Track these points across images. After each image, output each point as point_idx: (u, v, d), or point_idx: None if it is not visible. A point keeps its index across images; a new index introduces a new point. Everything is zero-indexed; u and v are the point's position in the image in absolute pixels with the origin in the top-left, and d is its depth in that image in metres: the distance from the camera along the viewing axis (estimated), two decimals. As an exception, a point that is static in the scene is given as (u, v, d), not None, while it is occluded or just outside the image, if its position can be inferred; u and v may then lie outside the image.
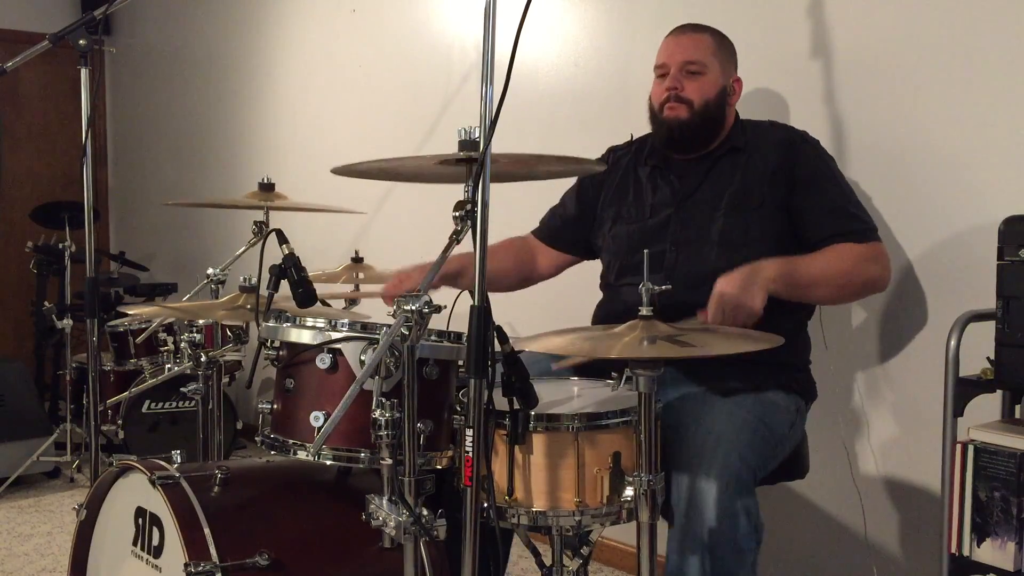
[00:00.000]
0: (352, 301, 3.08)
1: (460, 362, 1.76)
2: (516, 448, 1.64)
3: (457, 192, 1.63)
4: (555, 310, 2.68)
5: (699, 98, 2.11)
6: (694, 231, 2.09)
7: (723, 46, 2.17)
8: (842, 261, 2.00)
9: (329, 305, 2.30)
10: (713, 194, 2.10)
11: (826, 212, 2.04)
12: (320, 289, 2.00)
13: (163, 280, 4.91)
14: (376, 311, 2.32)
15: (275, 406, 1.75)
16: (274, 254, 1.92)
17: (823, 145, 2.18)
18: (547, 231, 2.44)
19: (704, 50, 2.13)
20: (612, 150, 2.35)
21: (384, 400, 1.52)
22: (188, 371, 2.37)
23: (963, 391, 1.83)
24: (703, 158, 2.15)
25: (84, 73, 2.50)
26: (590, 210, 2.32)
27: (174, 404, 3.74)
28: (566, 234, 2.40)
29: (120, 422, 3.72)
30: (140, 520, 1.88)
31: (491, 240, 2.24)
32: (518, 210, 2.43)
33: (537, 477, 1.64)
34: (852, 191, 2.11)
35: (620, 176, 2.27)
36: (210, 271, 2.35)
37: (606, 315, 2.23)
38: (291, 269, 1.84)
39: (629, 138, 2.32)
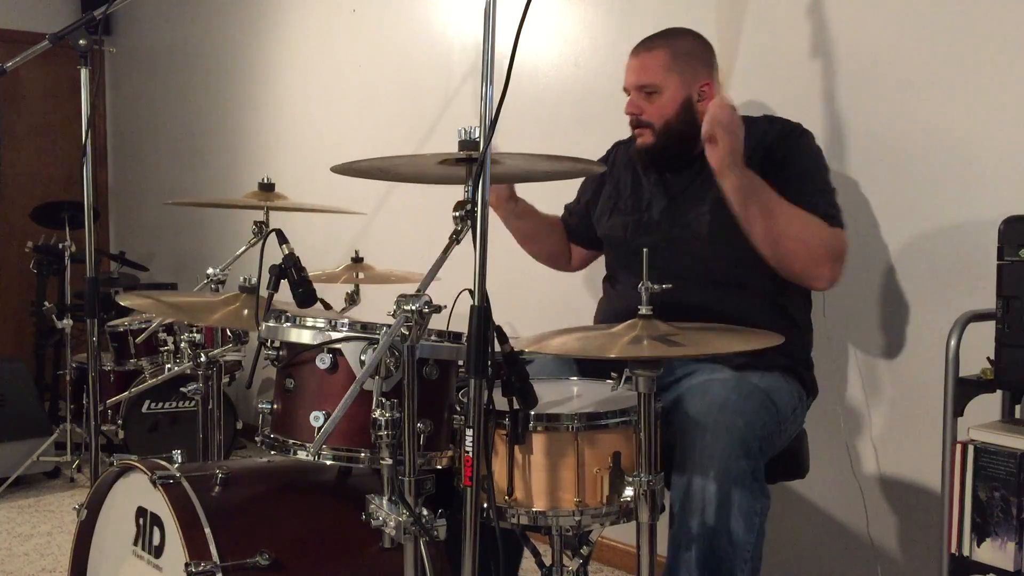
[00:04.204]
0: (352, 300, 3.08)
1: (460, 362, 1.76)
2: (516, 448, 1.65)
3: (457, 192, 1.63)
4: (555, 310, 2.69)
5: (659, 120, 2.11)
6: (685, 227, 2.10)
7: (681, 55, 2.11)
8: (811, 225, 1.96)
9: (330, 306, 2.30)
10: (703, 189, 2.10)
11: (799, 194, 1.99)
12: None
13: (163, 280, 4.91)
14: (376, 311, 2.32)
15: (275, 406, 1.75)
16: (274, 254, 1.93)
17: (824, 144, 2.17)
18: (564, 227, 2.48)
19: (656, 69, 2.10)
20: (617, 145, 2.37)
21: (384, 400, 1.52)
22: (188, 371, 2.37)
23: (963, 391, 1.83)
24: (697, 157, 2.14)
25: (84, 73, 2.50)
26: (593, 203, 2.34)
27: (174, 404, 3.74)
28: (576, 228, 2.44)
29: (120, 422, 3.72)
30: (141, 520, 1.88)
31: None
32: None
33: (537, 477, 1.64)
34: (829, 185, 2.07)
35: (621, 169, 2.29)
36: (210, 271, 2.35)
37: (605, 312, 2.24)
38: (291, 269, 1.84)
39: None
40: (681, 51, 2.12)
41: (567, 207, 2.48)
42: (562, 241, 2.48)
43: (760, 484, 1.80)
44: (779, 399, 1.97)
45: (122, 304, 2.29)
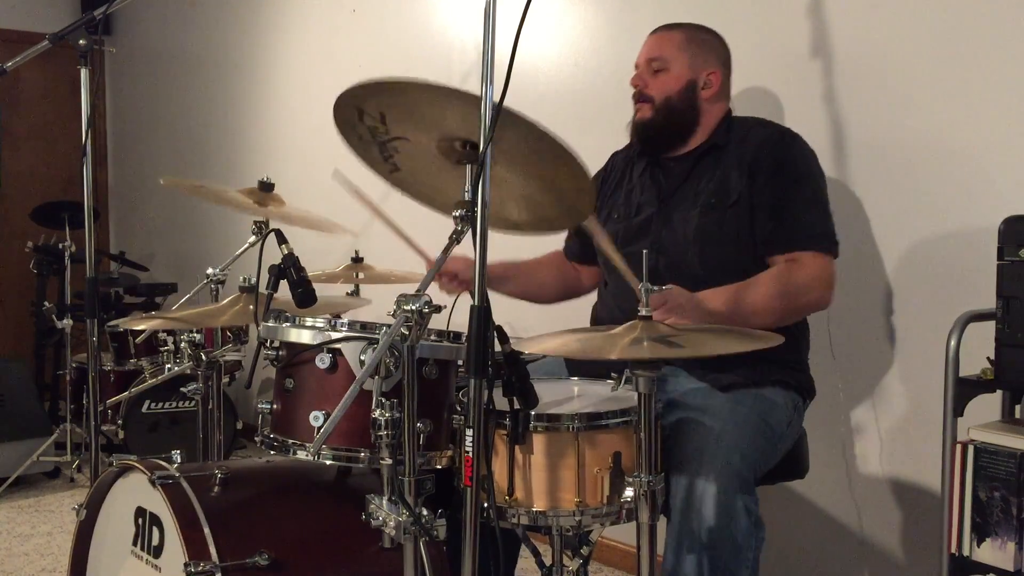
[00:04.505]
0: (354, 292, 3.09)
1: (460, 362, 1.76)
2: (516, 448, 1.64)
3: (457, 192, 1.63)
4: (555, 310, 2.68)
5: (660, 94, 2.11)
6: (673, 230, 2.08)
7: (696, 40, 2.14)
8: (784, 287, 1.95)
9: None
10: (693, 192, 2.09)
11: (773, 211, 2.00)
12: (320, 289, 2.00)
13: (163, 280, 4.91)
14: (376, 311, 2.32)
15: (275, 406, 1.75)
16: (274, 254, 1.92)
17: (824, 145, 2.17)
18: (568, 246, 2.46)
19: (669, 46, 2.12)
20: (614, 155, 2.36)
21: (384, 400, 1.52)
22: (188, 371, 2.37)
23: (963, 391, 1.83)
24: (687, 156, 2.14)
25: (84, 73, 2.50)
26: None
27: (174, 404, 3.74)
28: (579, 246, 2.41)
29: (120, 422, 3.72)
30: (140, 520, 1.88)
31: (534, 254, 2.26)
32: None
33: (537, 477, 1.64)
34: (820, 194, 2.05)
35: (617, 175, 2.28)
36: (210, 271, 2.35)
37: (598, 316, 2.24)
38: (290, 269, 1.84)
39: (630, 140, 2.32)
40: (696, 37, 2.15)
41: (569, 230, 2.44)
42: (559, 274, 2.43)
43: (755, 518, 1.78)
44: (774, 419, 1.95)
45: (136, 328, 2.28)
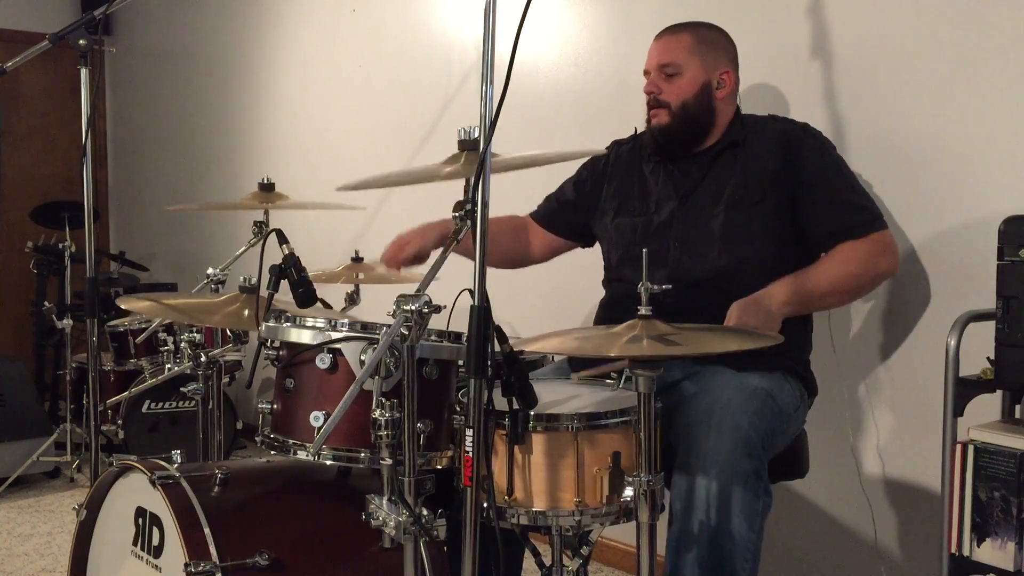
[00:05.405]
0: (352, 300, 3.08)
1: (460, 362, 1.76)
2: (516, 448, 1.65)
3: (457, 192, 1.64)
4: (556, 310, 2.69)
5: (676, 100, 2.12)
6: (697, 227, 2.09)
7: (705, 41, 2.14)
8: (848, 264, 2.02)
9: (330, 306, 2.30)
10: (715, 189, 2.10)
11: (828, 206, 2.04)
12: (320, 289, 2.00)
13: (163, 280, 4.91)
14: (376, 311, 2.32)
15: (275, 406, 1.75)
16: (274, 254, 1.93)
17: (823, 142, 2.18)
18: (544, 212, 2.46)
19: (679, 50, 2.12)
20: (616, 143, 2.36)
21: (384, 400, 1.52)
22: (188, 371, 2.37)
23: (963, 391, 1.83)
24: (704, 153, 2.15)
25: (84, 73, 2.50)
26: (588, 199, 2.33)
27: (174, 404, 3.74)
28: (562, 217, 2.42)
29: (120, 422, 3.72)
30: (140, 520, 1.88)
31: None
32: (517, 201, 2.43)
33: (537, 477, 1.64)
34: (855, 179, 2.11)
35: (624, 169, 2.28)
36: (210, 271, 2.35)
37: (608, 307, 2.24)
38: (291, 269, 1.84)
39: (633, 131, 2.33)
40: (705, 38, 2.15)
41: (552, 195, 2.44)
42: (511, 239, 2.44)
43: (763, 483, 1.81)
44: (781, 398, 1.98)
45: (122, 307, 2.28)
